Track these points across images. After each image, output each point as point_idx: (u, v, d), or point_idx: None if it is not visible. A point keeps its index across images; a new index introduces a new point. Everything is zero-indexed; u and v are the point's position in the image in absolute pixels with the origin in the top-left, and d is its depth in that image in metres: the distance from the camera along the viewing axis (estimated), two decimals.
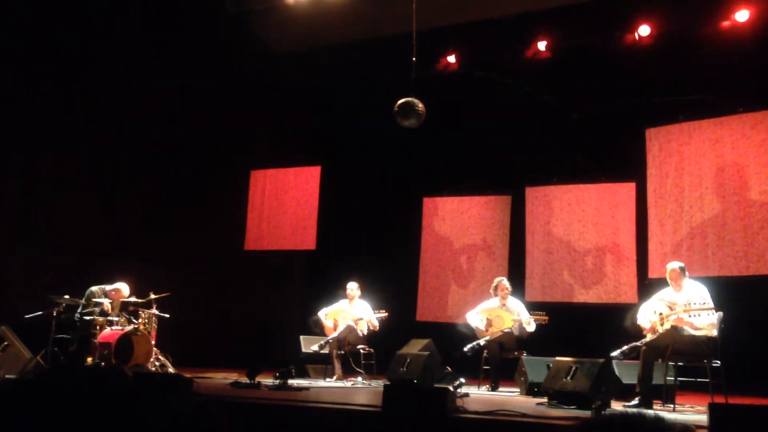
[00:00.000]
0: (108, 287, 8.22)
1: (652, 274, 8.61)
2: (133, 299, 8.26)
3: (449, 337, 8.72)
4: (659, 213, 8.90)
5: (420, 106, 8.13)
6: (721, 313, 6.23)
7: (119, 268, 8.67)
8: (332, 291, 9.39)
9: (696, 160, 8.68)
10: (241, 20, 10.69)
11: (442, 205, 10.80)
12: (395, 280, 10.41)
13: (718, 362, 6.17)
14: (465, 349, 7.90)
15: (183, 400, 1.82)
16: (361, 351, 8.73)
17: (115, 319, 8.04)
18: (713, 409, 4.46)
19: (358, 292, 9.02)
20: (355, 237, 10.73)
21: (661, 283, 6.83)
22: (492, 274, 9.45)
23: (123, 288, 8.22)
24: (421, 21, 8.59)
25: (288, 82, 11.30)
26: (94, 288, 8.20)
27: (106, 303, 8.07)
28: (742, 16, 8.83)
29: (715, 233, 8.34)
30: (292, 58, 11.30)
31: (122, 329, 7.87)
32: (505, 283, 8.40)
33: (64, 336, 7.89)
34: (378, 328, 8.84)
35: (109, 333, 7.83)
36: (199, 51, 10.44)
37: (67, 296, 7.85)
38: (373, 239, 10.70)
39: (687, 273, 6.56)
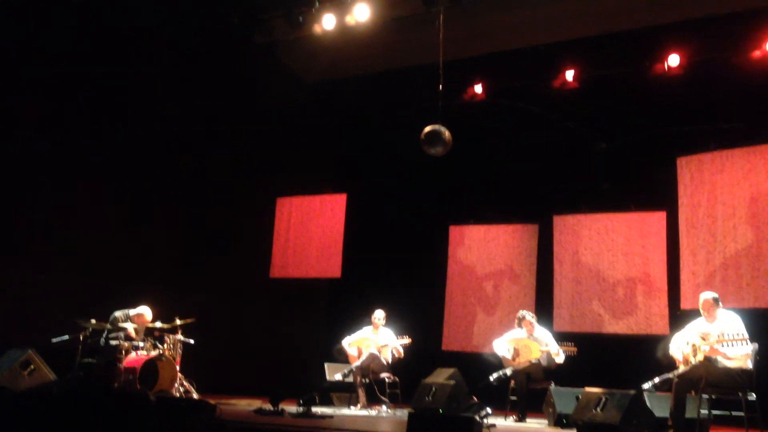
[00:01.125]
0: (131, 312, 8.24)
1: (685, 305, 8.43)
2: (158, 324, 8.26)
3: (475, 367, 8.59)
4: (691, 243, 8.73)
5: (446, 133, 8.13)
6: (756, 345, 6.06)
7: (145, 293, 8.69)
8: (357, 319, 9.32)
9: (729, 190, 8.53)
10: (269, 50, 10.83)
11: (468, 234, 10.72)
12: (420, 309, 10.32)
13: (754, 395, 5.99)
14: (491, 378, 7.76)
15: (203, 424, 1.78)
16: (386, 379, 8.62)
17: (141, 344, 8.03)
18: None
19: (384, 321, 8.94)
20: (380, 265, 10.68)
21: (694, 314, 6.68)
22: (519, 302, 9.34)
23: (146, 312, 8.23)
24: (448, 51, 8.65)
25: (315, 111, 11.40)
26: (117, 313, 8.22)
27: (130, 328, 8.09)
28: None
29: (750, 264, 8.15)
30: (320, 86, 11.41)
31: (147, 354, 7.86)
32: (529, 318, 8.24)
33: (90, 360, 7.89)
34: (402, 355, 8.73)
35: (134, 358, 7.82)
36: (227, 80, 10.57)
37: (93, 320, 7.86)
38: (399, 267, 10.64)
39: (720, 303, 6.40)
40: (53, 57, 9.09)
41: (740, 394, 5.98)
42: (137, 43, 10.01)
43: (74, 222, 9.48)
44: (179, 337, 8.22)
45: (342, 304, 10.96)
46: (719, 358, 6.06)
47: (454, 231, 10.82)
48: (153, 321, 8.31)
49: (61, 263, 9.15)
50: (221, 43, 10.45)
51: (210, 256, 10.49)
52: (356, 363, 8.57)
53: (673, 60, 9.40)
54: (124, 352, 7.86)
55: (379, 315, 8.93)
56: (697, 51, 9.33)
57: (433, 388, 7.55)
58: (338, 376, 8.70)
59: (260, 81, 10.82)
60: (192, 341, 8.30)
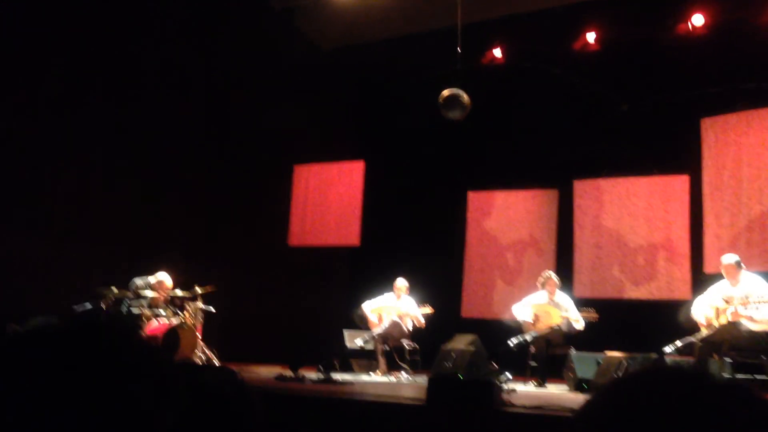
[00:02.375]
0: (151, 279, 8.28)
1: (708, 269, 8.31)
2: (179, 292, 8.31)
3: (495, 334, 8.54)
4: (715, 206, 8.58)
5: (465, 97, 8.02)
6: None
7: (165, 262, 8.73)
8: (376, 286, 9.32)
9: (755, 151, 8.35)
10: (286, 16, 10.72)
11: (487, 200, 10.63)
12: (440, 276, 10.28)
13: None
14: (510, 342, 7.73)
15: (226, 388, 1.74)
16: (406, 346, 8.64)
17: (162, 311, 8.10)
18: None
19: (407, 290, 8.94)
20: (399, 232, 10.64)
21: (717, 278, 6.59)
22: (539, 270, 9.24)
23: (165, 279, 8.27)
24: (467, 14, 8.49)
25: (332, 77, 11.29)
26: (137, 280, 8.27)
27: (150, 294, 8.13)
28: None
29: None
30: (337, 52, 11.29)
31: (169, 322, 7.92)
32: (554, 278, 8.21)
33: None
34: (423, 324, 8.74)
35: (156, 326, 7.89)
36: (243, 47, 10.48)
37: (114, 288, 7.93)
38: (418, 234, 10.60)
39: (743, 266, 6.30)
40: (68, 28, 9.05)
41: (764, 357, 5.91)
42: (154, 11, 9.94)
43: (94, 192, 9.51)
44: (200, 304, 8.26)
45: (361, 272, 10.97)
46: (743, 321, 5.98)
47: (473, 197, 10.72)
48: (173, 288, 8.36)
49: (83, 232, 9.20)
50: (238, 9, 10.36)
51: (229, 224, 10.51)
52: (377, 330, 8.58)
53: (697, 20, 9.19)
54: (145, 319, 7.93)
55: (402, 283, 8.93)
56: (722, 10, 9.10)
57: (453, 354, 7.54)
58: (359, 342, 8.72)
59: (277, 48, 10.72)
60: (213, 309, 8.34)
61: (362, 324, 9.08)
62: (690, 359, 6.21)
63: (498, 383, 5.50)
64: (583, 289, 9.45)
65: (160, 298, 8.26)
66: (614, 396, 0.88)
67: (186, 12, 10.27)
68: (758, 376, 6.06)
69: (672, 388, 0.84)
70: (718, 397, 0.83)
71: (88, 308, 7.74)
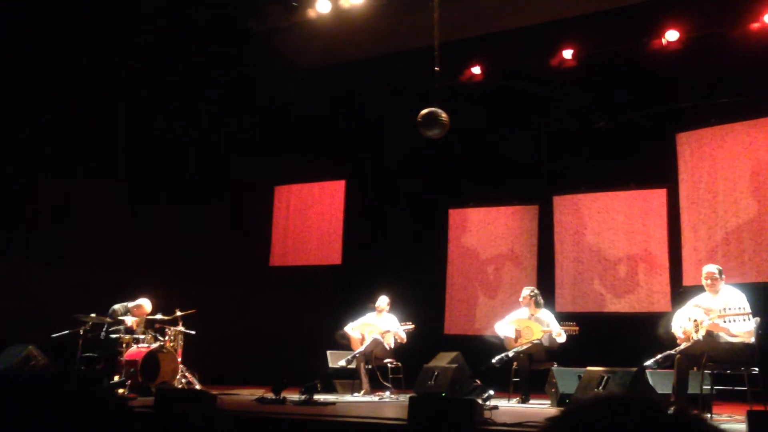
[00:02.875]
0: (130, 304, 8.23)
1: (687, 281, 8.37)
2: (159, 316, 8.25)
3: (478, 350, 8.54)
4: (692, 219, 8.66)
5: (443, 115, 8.04)
6: (758, 319, 6.00)
7: (145, 285, 8.68)
8: (359, 305, 9.31)
9: (730, 164, 8.45)
10: (265, 37, 10.75)
11: (468, 217, 10.67)
12: (422, 293, 10.28)
13: (756, 369, 5.94)
14: (493, 360, 7.72)
15: (203, 415, 1.73)
16: (389, 365, 8.61)
17: (141, 336, 8.03)
18: (752, 417, 4.27)
19: (388, 307, 8.93)
20: (381, 250, 10.64)
21: (696, 290, 6.63)
22: (520, 285, 9.26)
23: (145, 304, 8.22)
24: (445, 33, 8.53)
25: (311, 97, 11.31)
26: (116, 306, 8.22)
27: (130, 320, 8.08)
28: None
29: (752, 238, 8.09)
30: (316, 73, 11.33)
31: (148, 347, 7.85)
32: (536, 294, 8.21)
33: (91, 355, 7.90)
34: (405, 340, 8.73)
35: (135, 351, 7.82)
36: (223, 68, 10.50)
37: (93, 315, 7.87)
38: (400, 252, 10.60)
39: (724, 276, 6.34)
40: (50, 47, 9.04)
41: (743, 368, 5.94)
42: (133, 33, 9.95)
43: (73, 215, 9.46)
44: (180, 328, 8.21)
45: (344, 291, 10.94)
46: (722, 333, 6.01)
47: (454, 214, 10.76)
48: (153, 313, 8.31)
49: (60, 257, 9.13)
50: (216, 30, 10.38)
51: (210, 247, 10.46)
52: (359, 349, 8.55)
53: (671, 35, 9.30)
54: (124, 345, 7.86)
55: (383, 301, 8.92)
56: (695, 26, 9.22)
57: (436, 372, 7.52)
58: (341, 363, 8.68)
59: (256, 68, 10.74)
60: (193, 332, 8.29)
61: (345, 344, 9.05)
62: (671, 371, 6.22)
63: (480, 401, 5.48)
64: (564, 303, 9.48)
65: (140, 323, 8.20)
66: (564, 427, 0.88)
67: (166, 33, 10.28)
68: (737, 387, 6.08)
69: (621, 419, 0.85)
70: (667, 428, 0.83)
71: (66, 333, 7.67)
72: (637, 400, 0.87)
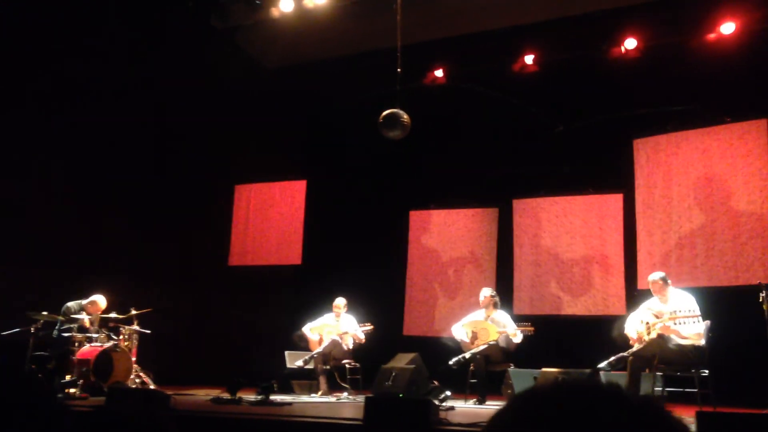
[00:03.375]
0: (84, 301, 8.08)
1: (642, 285, 8.50)
2: (113, 315, 8.12)
3: (437, 351, 8.57)
4: (648, 224, 8.82)
5: (405, 117, 8.06)
6: (708, 322, 6.13)
7: (100, 284, 8.53)
8: (318, 306, 9.27)
9: (684, 170, 8.63)
10: (228, 34, 10.65)
11: (428, 219, 10.71)
12: (382, 294, 10.28)
13: (706, 371, 6.07)
14: (450, 362, 7.76)
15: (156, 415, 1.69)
16: (347, 366, 8.59)
17: (95, 335, 7.89)
18: (701, 418, 4.34)
19: (345, 309, 8.91)
20: (341, 251, 10.61)
21: (651, 294, 6.73)
22: (480, 287, 9.31)
23: (99, 300, 8.08)
24: (408, 35, 8.56)
25: (273, 96, 11.24)
26: (70, 303, 8.06)
27: (84, 318, 7.93)
28: (727, 28, 8.84)
29: (704, 243, 8.27)
30: (279, 72, 11.27)
31: (101, 346, 7.71)
32: (492, 296, 8.27)
33: (42, 353, 7.73)
34: (364, 340, 8.73)
35: (88, 350, 7.67)
36: (184, 65, 10.38)
37: (45, 313, 7.70)
38: (360, 253, 10.58)
39: (670, 282, 6.47)
40: (2, 45, 8.84)
41: (693, 370, 6.06)
42: (92, 28, 9.77)
43: (26, 211, 9.26)
44: (135, 327, 8.08)
45: (303, 291, 10.89)
46: (672, 336, 6.13)
47: (415, 216, 10.79)
48: (108, 311, 8.17)
49: (12, 254, 8.93)
50: (178, 27, 10.26)
51: (168, 245, 10.33)
52: (317, 349, 8.52)
53: (630, 43, 9.45)
54: (77, 343, 7.71)
55: (340, 303, 8.90)
56: (653, 34, 9.39)
57: (394, 373, 7.52)
58: (299, 363, 8.63)
59: (218, 66, 10.64)
60: (149, 332, 8.17)
61: (303, 345, 9.00)
62: (624, 373, 6.32)
63: (435, 401, 5.49)
64: (522, 305, 9.57)
65: (94, 321, 8.05)
66: (521, 408, 0.86)
67: (126, 29, 10.12)
68: (688, 389, 6.20)
69: (581, 402, 0.82)
70: (629, 413, 0.81)
71: (16, 331, 7.49)
72: (600, 386, 0.85)
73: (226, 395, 6.89)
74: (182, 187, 10.51)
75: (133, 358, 7.90)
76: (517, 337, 7.89)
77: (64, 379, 7.32)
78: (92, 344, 7.75)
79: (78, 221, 9.56)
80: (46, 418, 1.21)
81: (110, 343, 7.77)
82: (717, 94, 8.69)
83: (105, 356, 7.60)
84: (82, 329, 7.88)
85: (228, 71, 10.68)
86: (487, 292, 8.33)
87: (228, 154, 10.87)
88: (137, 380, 7.84)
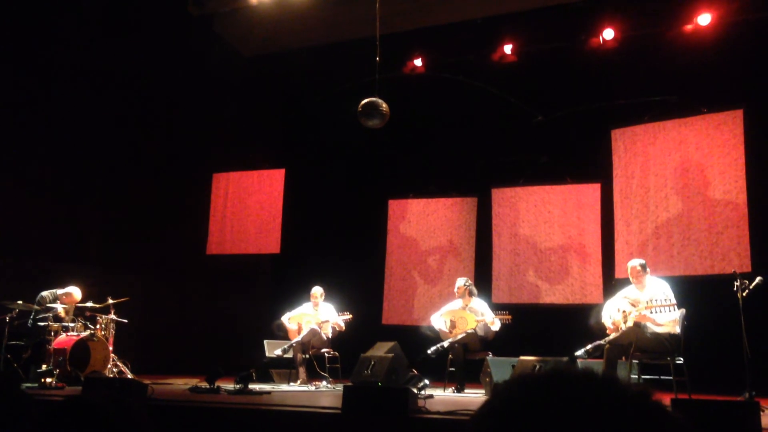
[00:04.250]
0: (59, 291, 7.99)
1: (619, 274, 8.58)
2: (89, 304, 8.04)
3: (415, 340, 8.60)
4: (625, 213, 8.90)
5: (384, 106, 8.05)
6: (683, 310, 6.20)
7: (78, 273, 8.45)
8: (297, 295, 9.25)
9: (661, 161, 8.71)
10: (205, 21, 10.54)
11: (407, 207, 10.71)
12: (361, 283, 10.29)
13: (681, 359, 6.15)
14: (429, 351, 7.79)
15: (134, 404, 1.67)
16: (326, 354, 8.59)
17: (71, 324, 7.81)
18: (676, 406, 4.40)
19: (323, 297, 8.90)
20: (320, 240, 10.60)
21: (628, 282, 6.80)
22: (459, 275, 9.35)
23: (75, 292, 7.99)
24: (387, 24, 8.54)
25: (252, 84, 11.17)
26: (44, 293, 7.97)
27: (59, 308, 7.84)
28: (704, 19, 8.91)
29: (680, 233, 8.36)
30: (257, 60, 11.18)
31: (78, 335, 7.63)
32: (469, 285, 8.30)
33: (17, 342, 7.64)
34: (343, 328, 8.73)
35: (64, 339, 7.59)
36: (161, 52, 10.27)
37: (20, 302, 7.61)
38: (339, 242, 10.58)
39: (648, 270, 6.54)
40: None
41: (668, 358, 6.13)
42: (67, 14, 9.62)
43: (5, 201, 9.13)
44: (112, 316, 8.01)
45: (282, 280, 10.86)
46: (648, 324, 6.20)
47: (394, 205, 10.79)
48: (84, 301, 8.09)
49: None
50: (154, 14, 10.13)
51: (145, 234, 10.24)
52: (296, 339, 8.50)
53: (608, 34, 9.49)
54: (53, 333, 7.63)
55: (316, 292, 8.89)
56: (632, 25, 9.45)
57: (372, 362, 7.53)
58: (278, 352, 8.61)
59: (196, 54, 10.54)
60: (126, 321, 8.11)
61: (282, 334, 8.99)
62: (600, 361, 6.38)
63: (414, 390, 5.51)
64: (501, 294, 9.62)
65: (69, 311, 7.97)
66: (511, 395, 0.85)
67: (100, 16, 9.98)
68: (663, 377, 6.28)
69: (574, 389, 0.82)
70: (622, 401, 0.80)
71: None
72: (596, 375, 0.84)
73: (204, 384, 6.86)
74: (159, 175, 10.42)
75: (110, 348, 7.83)
76: (495, 325, 7.94)
77: (40, 368, 7.24)
78: (68, 333, 7.68)
79: (54, 210, 9.44)
80: (9, 409, 1.19)
81: (87, 333, 7.69)
82: (694, 84, 8.77)
83: (82, 345, 7.53)
84: (58, 319, 7.80)
85: (205, 59, 10.58)
86: (461, 282, 8.36)
87: (205, 142, 10.79)
88: (114, 369, 7.78)
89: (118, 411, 1.57)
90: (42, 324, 7.66)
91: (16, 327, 7.59)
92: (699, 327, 6.52)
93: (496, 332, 7.97)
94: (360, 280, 10.33)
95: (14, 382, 1.40)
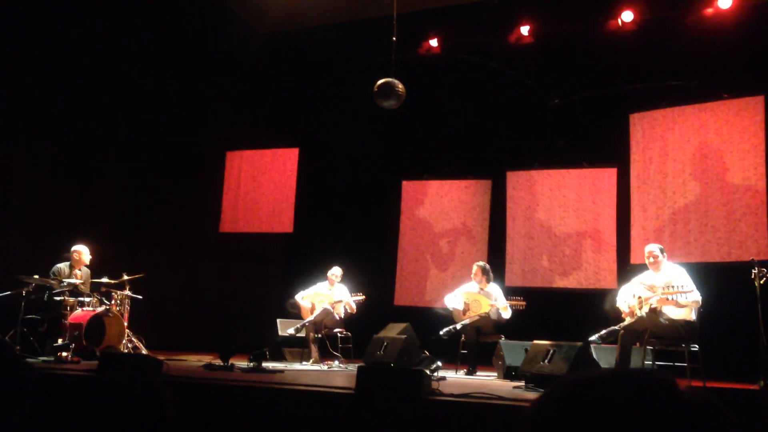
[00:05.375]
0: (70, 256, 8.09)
1: (635, 259, 8.54)
2: (105, 280, 8.09)
3: (427, 322, 8.62)
4: (642, 198, 8.83)
5: (400, 86, 8.00)
6: (700, 297, 6.17)
7: (92, 250, 8.48)
8: (309, 274, 9.28)
9: (680, 146, 8.63)
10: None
11: (421, 189, 10.68)
12: (373, 264, 10.29)
13: (696, 346, 6.12)
14: (441, 332, 7.81)
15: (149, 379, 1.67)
16: (338, 334, 8.63)
17: (87, 299, 7.87)
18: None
19: (340, 278, 8.93)
20: (333, 220, 10.60)
21: (643, 268, 6.76)
22: (472, 259, 9.35)
23: (82, 249, 8.06)
24: (403, 3, 8.47)
25: (267, 63, 11.12)
26: (60, 265, 8.04)
27: (75, 280, 7.89)
28: (724, 3, 8.78)
29: (698, 219, 8.29)
30: (272, 38, 11.13)
31: (94, 310, 7.69)
32: (486, 269, 8.30)
33: (33, 317, 7.71)
34: (355, 310, 8.76)
35: (80, 314, 7.65)
36: (175, 30, 10.21)
37: (36, 276, 7.67)
38: (351, 222, 10.57)
39: (666, 255, 6.49)
40: None
41: (683, 345, 6.11)
42: None
43: (18, 176, 9.16)
44: (127, 292, 8.07)
45: (294, 259, 10.88)
46: (664, 310, 6.17)
47: (408, 186, 10.76)
48: (99, 276, 8.14)
49: (5, 219, 8.85)
50: None
51: (159, 211, 10.27)
52: (309, 318, 8.54)
53: (627, 16, 9.38)
54: (69, 308, 7.68)
55: (336, 272, 8.92)
56: (651, 8, 9.32)
57: (385, 343, 7.56)
58: (290, 331, 8.66)
59: (211, 31, 10.48)
60: (140, 297, 8.16)
61: (295, 313, 9.02)
62: (614, 347, 6.37)
63: (427, 372, 5.52)
64: (514, 278, 9.61)
65: (86, 283, 8.03)
66: (569, 395, 0.84)
67: None
68: (678, 363, 6.26)
69: (635, 393, 0.81)
70: (681, 404, 0.80)
71: (8, 294, 7.45)
72: (653, 378, 0.83)
73: (218, 362, 6.90)
74: (174, 152, 10.41)
75: (125, 323, 7.89)
76: (507, 312, 7.95)
77: (56, 342, 7.29)
78: (84, 308, 7.73)
79: (69, 187, 9.47)
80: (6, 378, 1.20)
81: (102, 308, 7.75)
82: (714, 69, 8.66)
83: (97, 320, 7.59)
84: (75, 293, 7.85)
85: (220, 36, 10.53)
86: (479, 265, 8.34)
87: (219, 120, 10.77)
88: (129, 345, 7.84)
89: (141, 389, 1.57)
90: (58, 298, 7.72)
91: (32, 301, 7.65)
92: (715, 314, 6.48)
93: (507, 318, 7.97)
94: (372, 260, 10.33)
95: (7, 349, 1.41)
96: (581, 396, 0.82)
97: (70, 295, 7.78)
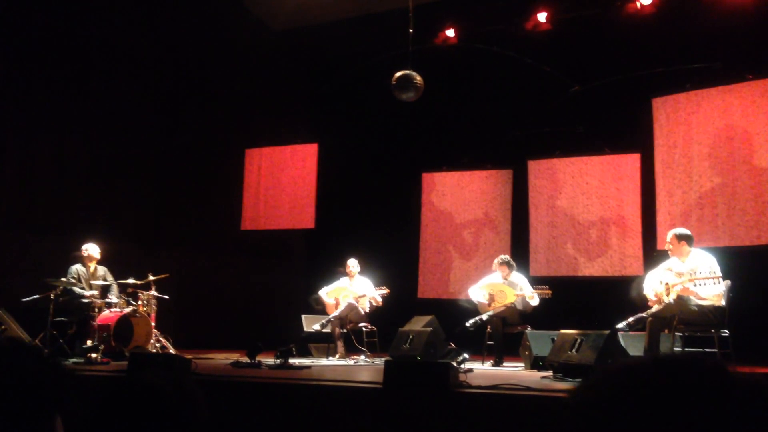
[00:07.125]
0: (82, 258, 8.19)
1: (661, 245, 8.39)
2: (131, 281, 8.17)
3: (452, 314, 8.59)
4: (667, 183, 8.71)
5: (418, 78, 7.98)
6: (728, 282, 6.08)
7: (117, 251, 8.56)
8: (332, 269, 9.28)
9: (705, 129, 8.48)
10: None
11: (441, 180, 10.63)
12: (396, 257, 10.28)
13: (726, 332, 6.04)
14: (467, 324, 7.78)
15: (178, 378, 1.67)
16: (364, 329, 8.63)
17: (114, 301, 7.96)
18: None
19: (358, 269, 8.92)
20: (354, 214, 10.60)
21: (669, 254, 6.68)
22: (495, 249, 9.31)
23: (90, 246, 8.13)
24: None
25: (283, 59, 11.13)
26: (74, 266, 8.13)
27: (107, 282, 8.02)
28: None
29: (725, 203, 8.16)
30: (288, 34, 11.13)
31: (121, 311, 7.77)
32: (509, 261, 8.24)
33: (62, 319, 7.80)
34: (381, 303, 8.75)
35: (108, 315, 7.73)
36: (193, 29, 10.26)
37: (64, 279, 7.76)
38: (373, 216, 10.56)
39: (687, 242, 6.37)
40: (16, 9, 8.75)
41: (713, 331, 6.03)
42: None
43: (43, 179, 9.27)
44: (153, 292, 8.13)
45: (317, 255, 10.91)
46: (692, 297, 6.09)
47: (427, 178, 10.71)
48: (125, 277, 8.21)
49: (31, 221, 8.96)
50: None
51: (181, 211, 10.33)
52: (334, 313, 8.55)
53: None
54: (97, 309, 7.76)
55: (352, 263, 8.91)
56: None
57: (411, 336, 7.55)
58: (316, 327, 8.68)
59: (227, 29, 10.51)
60: (166, 297, 8.22)
61: (320, 309, 9.04)
62: (642, 334, 6.31)
63: (455, 364, 5.50)
64: (538, 267, 9.54)
65: (104, 276, 8.12)
66: (618, 382, 0.82)
67: None
68: (708, 350, 6.18)
69: (684, 378, 0.80)
70: (737, 391, 0.78)
71: (36, 298, 7.55)
72: (703, 362, 0.81)
73: (245, 359, 6.93)
74: (193, 151, 10.47)
75: (152, 323, 7.96)
76: (534, 300, 7.89)
77: (85, 344, 7.38)
78: (112, 310, 7.82)
79: (93, 189, 9.56)
80: (43, 384, 1.20)
81: (129, 309, 7.82)
82: (737, 50, 8.52)
83: (125, 321, 7.67)
84: (105, 292, 7.98)
85: (237, 33, 10.55)
86: (499, 260, 8.27)
87: (238, 118, 10.80)
88: (157, 345, 7.92)
89: (176, 390, 1.57)
90: (86, 301, 7.80)
91: (61, 304, 7.73)
92: (745, 299, 6.39)
93: (534, 306, 7.92)
94: (395, 254, 10.32)
95: (37, 352, 1.41)
96: (631, 383, 0.80)
97: (99, 297, 7.89)
